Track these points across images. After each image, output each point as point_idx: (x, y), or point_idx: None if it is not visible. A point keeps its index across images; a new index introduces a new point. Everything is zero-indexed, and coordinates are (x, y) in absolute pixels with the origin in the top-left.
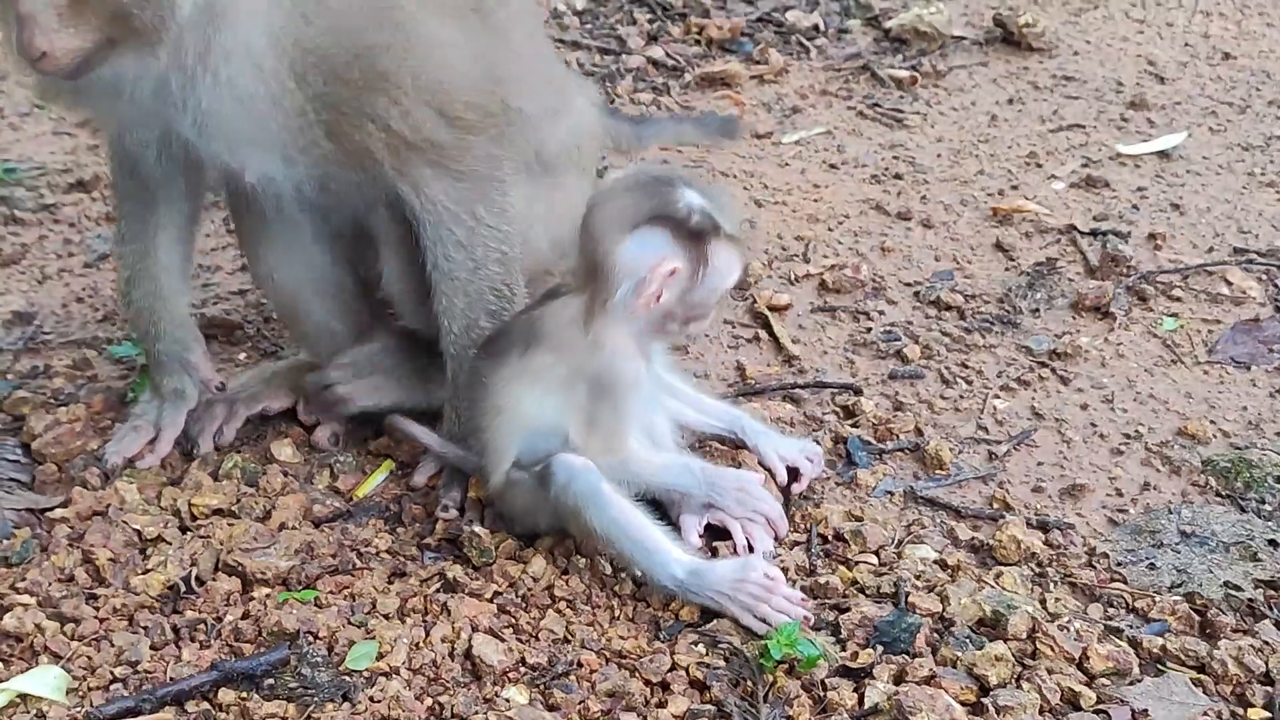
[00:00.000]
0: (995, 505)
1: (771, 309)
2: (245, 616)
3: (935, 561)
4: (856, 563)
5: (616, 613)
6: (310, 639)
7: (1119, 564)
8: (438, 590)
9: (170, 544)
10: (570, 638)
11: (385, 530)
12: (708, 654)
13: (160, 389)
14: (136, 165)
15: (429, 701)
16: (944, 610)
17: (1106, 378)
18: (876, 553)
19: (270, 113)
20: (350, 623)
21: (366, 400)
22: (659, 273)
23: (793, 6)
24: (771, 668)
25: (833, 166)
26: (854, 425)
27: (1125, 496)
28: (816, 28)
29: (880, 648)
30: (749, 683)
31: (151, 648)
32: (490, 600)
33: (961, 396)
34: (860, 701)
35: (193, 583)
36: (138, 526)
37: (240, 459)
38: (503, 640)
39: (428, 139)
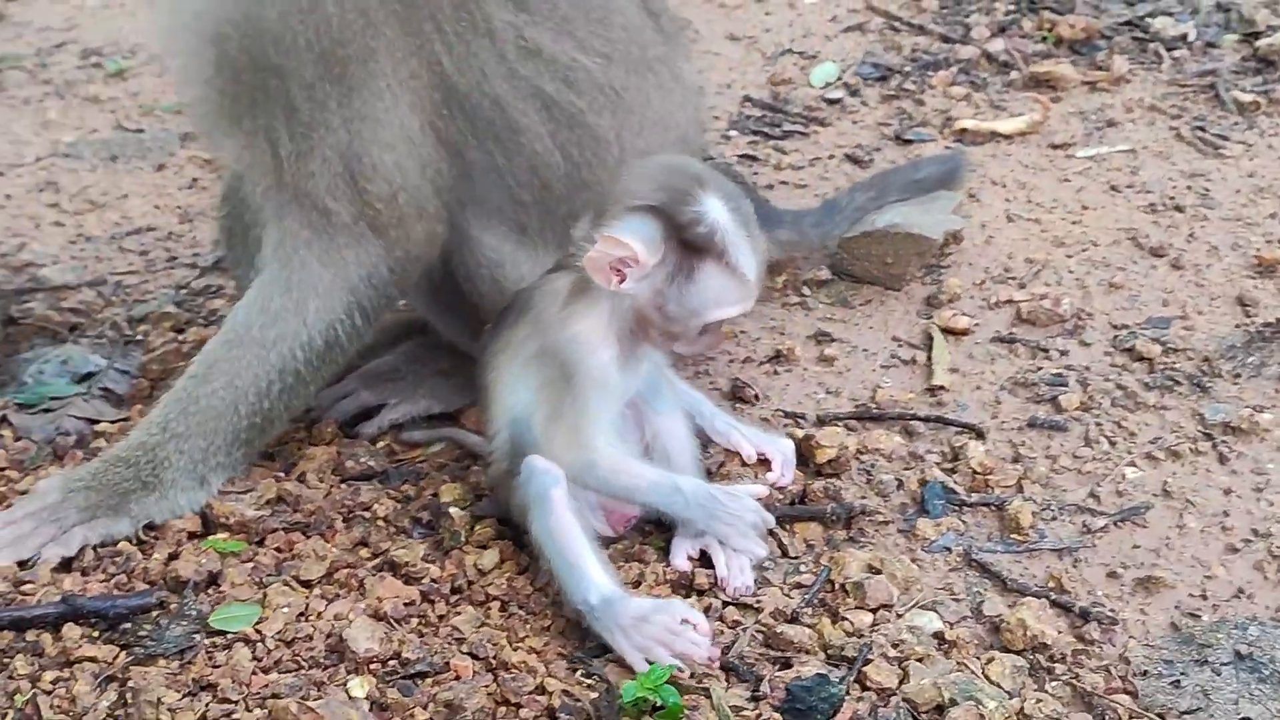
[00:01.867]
0: (1050, 584)
1: (946, 330)
2: (172, 558)
3: (934, 634)
4: (843, 618)
5: (545, 624)
6: (196, 592)
7: (1142, 673)
8: (376, 567)
9: None
10: (465, 639)
11: (396, 498)
12: (581, 684)
13: None
14: None
15: (262, 678)
16: (898, 688)
17: (1273, 465)
18: (874, 611)
19: None
20: (256, 583)
21: (394, 412)
22: (621, 254)
23: (1169, 13)
24: (630, 710)
25: (1114, 189)
26: (951, 470)
27: (1209, 600)
28: (1184, 37)
29: (790, 715)
30: None
31: (54, 569)
32: (416, 585)
33: (1096, 458)
34: None
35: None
36: None
37: None
38: (395, 629)
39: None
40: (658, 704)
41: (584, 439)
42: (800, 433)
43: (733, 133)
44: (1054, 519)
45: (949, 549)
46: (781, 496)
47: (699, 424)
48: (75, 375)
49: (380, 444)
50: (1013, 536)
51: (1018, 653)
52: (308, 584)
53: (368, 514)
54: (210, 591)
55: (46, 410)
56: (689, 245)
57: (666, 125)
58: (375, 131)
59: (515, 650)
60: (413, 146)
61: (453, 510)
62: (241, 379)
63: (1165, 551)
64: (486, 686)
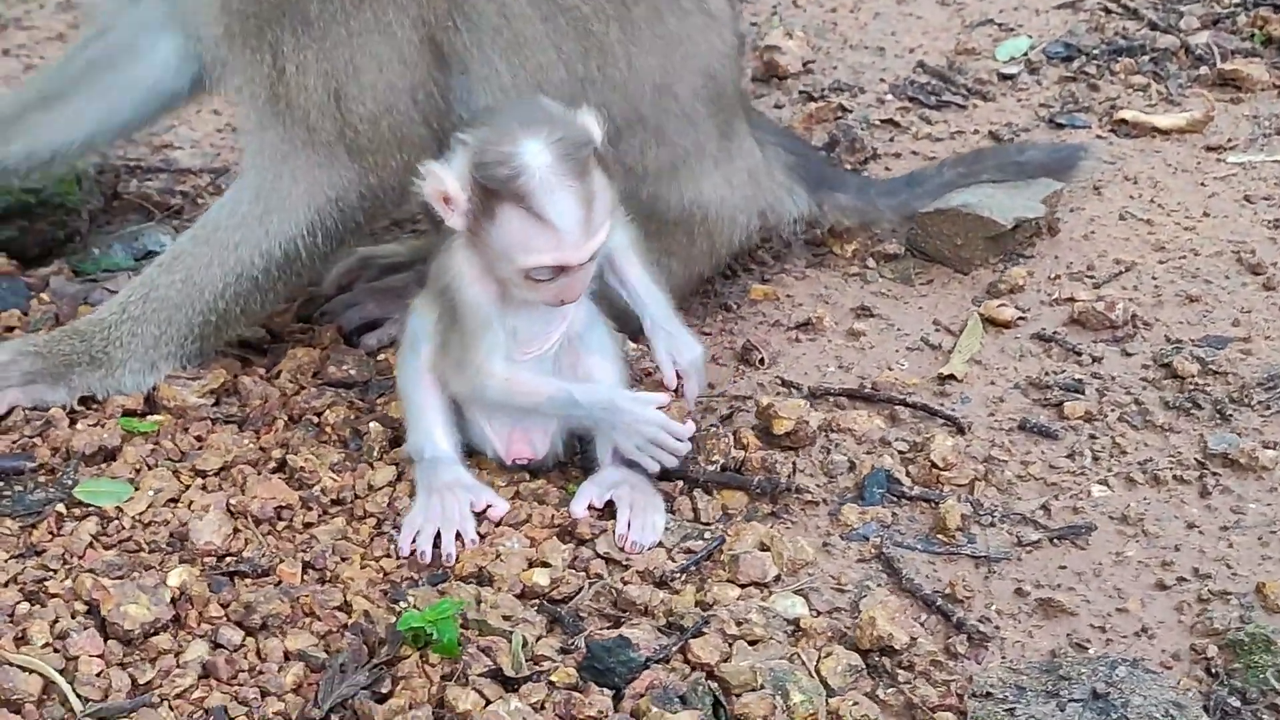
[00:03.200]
0: (945, 589)
1: (989, 321)
2: (95, 427)
3: (791, 619)
4: (706, 589)
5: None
6: (85, 464)
7: (984, 694)
8: (274, 468)
9: None
10: (311, 549)
11: (356, 408)
12: (388, 608)
13: None
14: None
15: (94, 554)
16: (716, 665)
17: (1256, 505)
18: (743, 587)
19: None
20: (146, 465)
21: (395, 327)
22: (432, 189)
23: None
24: (409, 639)
25: (1246, 200)
26: (909, 460)
27: (1105, 634)
28: None
29: (585, 673)
30: (368, 650)
31: None
32: (300, 490)
33: (1070, 471)
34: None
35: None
36: None
37: None
38: (247, 529)
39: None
40: (431, 636)
41: (471, 364)
42: (768, 400)
43: (889, 96)
44: (990, 525)
45: (866, 538)
46: (713, 459)
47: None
48: (138, 253)
49: (381, 357)
50: (937, 537)
51: (863, 652)
52: (202, 474)
53: (316, 420)
54: (102, 466)
55: (93, 280)
56: (490, 186)
57: (683, 49)
58: (375, 47)
59: (363, 568)
60: (406, 68)
61: (374, 424)
62: (199, 275)
63: (1088, 578)
64: (298, 595)
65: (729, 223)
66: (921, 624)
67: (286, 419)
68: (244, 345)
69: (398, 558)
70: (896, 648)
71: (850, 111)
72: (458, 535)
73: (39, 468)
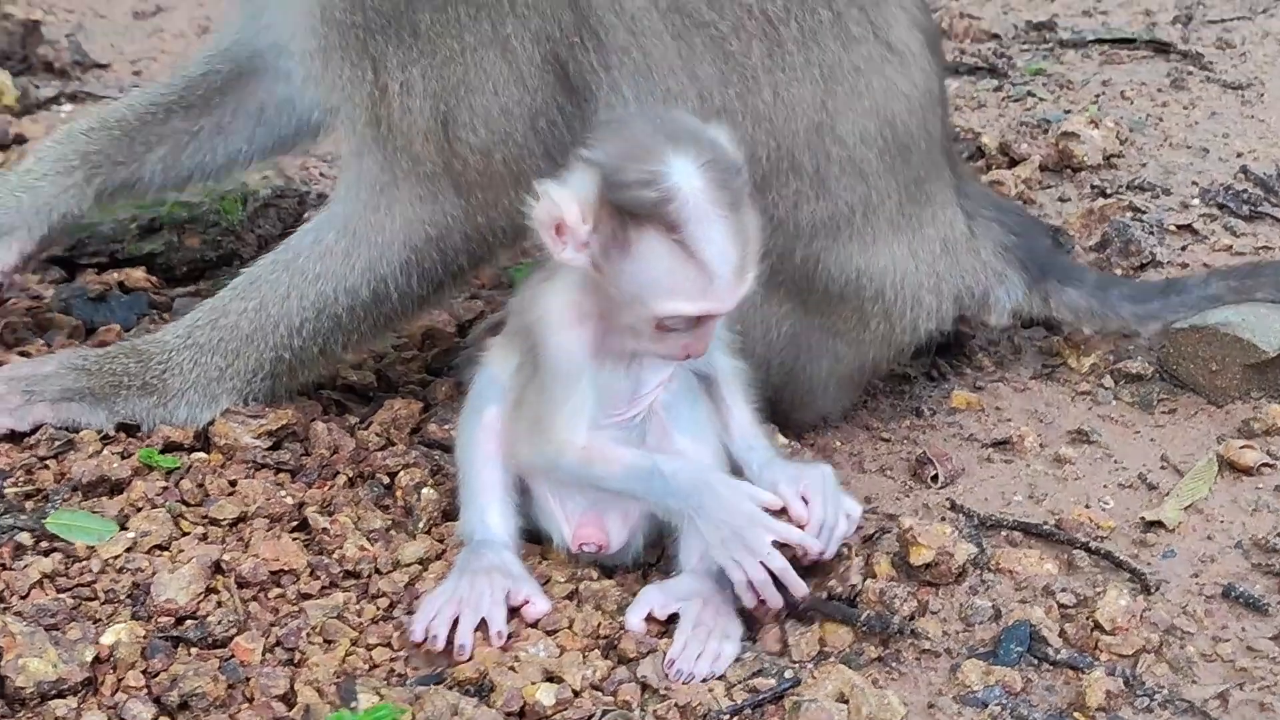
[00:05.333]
0: None
1: (1228, 464)
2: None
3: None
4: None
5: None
6: (80, 492)
7: None
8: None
9: None
10: (295, 622)
11: (445, 472)
12: (330, 703)
13: None
14: None
15: (38, 594)
16: None
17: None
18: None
19: None
20: (151, 505)
21: None
22: (545, 214)
23: None
24: None
25: None
26: (1067, 617)
27: None
28: None
29: None
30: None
31: None
32: (307, 552)
33: (1272, 659)
34: None
35: None
36: None
37: None
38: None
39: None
40: None
41: (548, 429)
42: (910, 524)
43: (1195, 200)
44: (1146, 710)
45: (984, 704)
46: (817, 590)
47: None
48: None
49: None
50: (1073, 715)
51: None
52: (211, 522)
53: (388, 480)
54: (99, 501)
55: None
56: (630, 212)
57: (848, 83)
58: (491, 65)
59: (346, 656)
60: (526, 92)
61: (428, 491)
62: (275, 306)
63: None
64: (244, 676)
65: (911, 302)
66: None
67: (352, 475)
68: (347, 390)
69: (400, 647)
70: None
71: (1144, 213)
72: (482, 625)
73: (24, 492)
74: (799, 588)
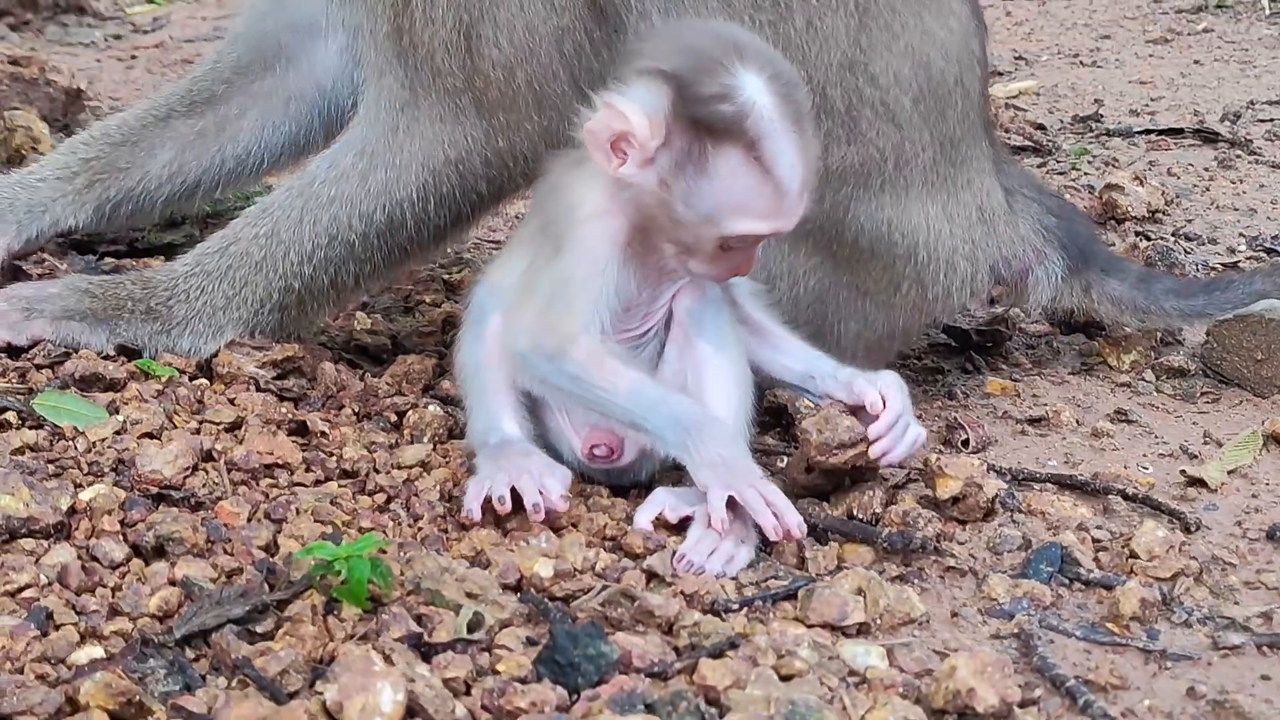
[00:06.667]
0: (1087, 677)
1: (1272, 438)
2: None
3: (855, 669)
4: (768, 626)
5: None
6: (74, 386)
7: None
8: (289, 428)
9: None
10: (285, 497)
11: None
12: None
13: None
14: None
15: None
16: (723, 693)
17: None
18: (809, 626)
19: None
20: (141, 400)
21: None
22: (618, 126)
23: None
24: (315, 582)
25: None
26: (1102, 547)
27: None
28: None
29: (543, 667)
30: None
31: None
32: (302, 451)
33: None
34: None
35: None
36: None
37: None
38: (222, 471)
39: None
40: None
41: (556, 318)
42: (937, 457)
43: (1242, 246)
44: (1183, 624)
45: (1010, 616)
46: (831, 508)
47: (815, 389)
48: None
49: None
50: (1106, 626)
51: (934, 711)
52: (210, 422)
53: (396, 418)
54: (94, 394)
55: None
56: (707, 127)
57: (883, 20)
58: None
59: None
60: (553, 10)
61: (434, 408)
62: (286, 232)
63: None
64: (225, 535)
65: (945, 268)
66: (1035, 700)
67: (358, 410)
68: (359, 351)
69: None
70: (979, 710)
71: (1189, 254)
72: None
73: (14, 387)
74: (793, 516)
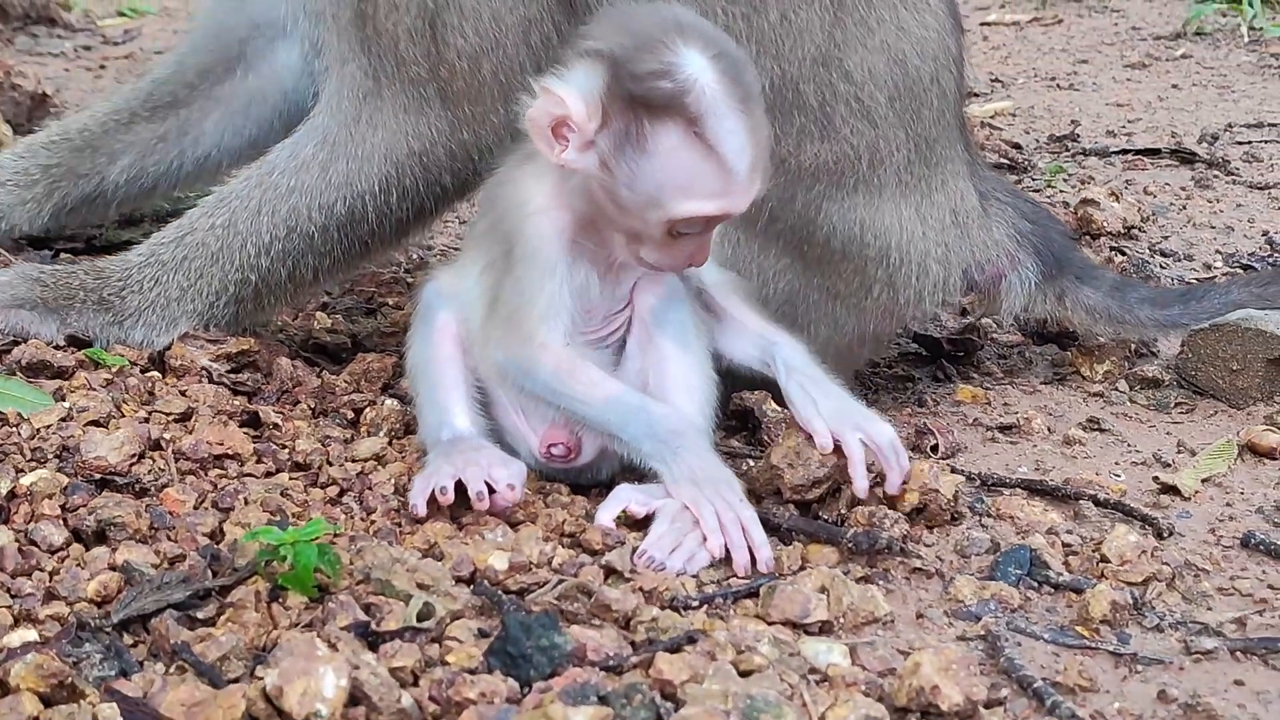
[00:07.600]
0: (1055, 679)
1: (1249, 447)
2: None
3: (816, 667)
4: (718, 616)
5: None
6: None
7: None
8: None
9: None
10: (233, 487)
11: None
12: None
13: None
14: None
15: None
16: (679, 688)
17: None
18: (769, 624)
19: None
20: (89, 388)
21: None
22: (549, 111)
23: None
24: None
25: None
26: (1072, 551)
27: None
28: None
29: (494, 659)
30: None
31: None
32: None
33: None
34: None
35: None
36: None
37: None
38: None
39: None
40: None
41: (523, 331)
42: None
43: (1219, 262)
44: (1154, 629)
45: (976, 618)
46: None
47: (772, 374)
48: None
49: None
50: (1075, 629)
51: (896, 710)
52: (160, 412)
53: (352, 415)
54: (40, 381)
55: None
56: (644, 104)
57: (858, 15)
58: None
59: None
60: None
61: (390, 401)
62: (244, 223)
63: (1271, 699)
64: (169, 524)
65: (917, 270)
66: (1001, 700)
67: (314, 406)
68: (318, 349)
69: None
70: (944, 708)
71: (1164, 269)
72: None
73: None
74: (766, 551)
